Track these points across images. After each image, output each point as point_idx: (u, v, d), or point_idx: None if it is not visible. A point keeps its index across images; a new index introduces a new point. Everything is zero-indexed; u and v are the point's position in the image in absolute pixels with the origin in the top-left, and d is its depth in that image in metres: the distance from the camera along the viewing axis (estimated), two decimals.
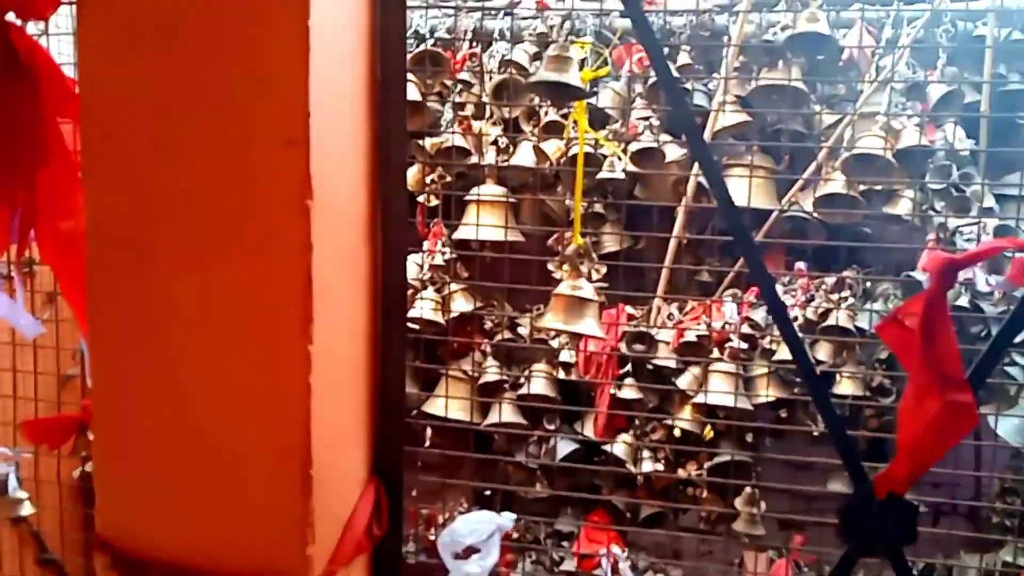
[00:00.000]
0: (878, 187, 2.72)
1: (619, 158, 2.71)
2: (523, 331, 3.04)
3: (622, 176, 2.76)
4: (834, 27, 2.88)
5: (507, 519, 1.56)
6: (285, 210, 1.21)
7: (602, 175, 2.68)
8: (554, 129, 2.99)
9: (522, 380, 3.00)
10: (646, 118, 2.97)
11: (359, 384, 1.43)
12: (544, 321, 1.91)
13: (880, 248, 2.76)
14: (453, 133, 2.99)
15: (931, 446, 1.30)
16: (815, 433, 2.78)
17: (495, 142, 3.08)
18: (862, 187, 2.74)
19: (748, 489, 2.68)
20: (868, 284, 2.78)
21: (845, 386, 2.70)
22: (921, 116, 2.62)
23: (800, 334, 2.70)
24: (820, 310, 2.76)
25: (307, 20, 1.19)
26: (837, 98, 2.88)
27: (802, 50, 2.48)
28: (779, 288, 2.87)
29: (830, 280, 2.81)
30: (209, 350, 1.25)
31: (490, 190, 3.02)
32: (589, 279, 1.86)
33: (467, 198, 3.02)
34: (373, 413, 1.48)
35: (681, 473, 2.88)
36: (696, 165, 2.88)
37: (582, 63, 1.73)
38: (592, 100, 3.03)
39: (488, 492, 3.06)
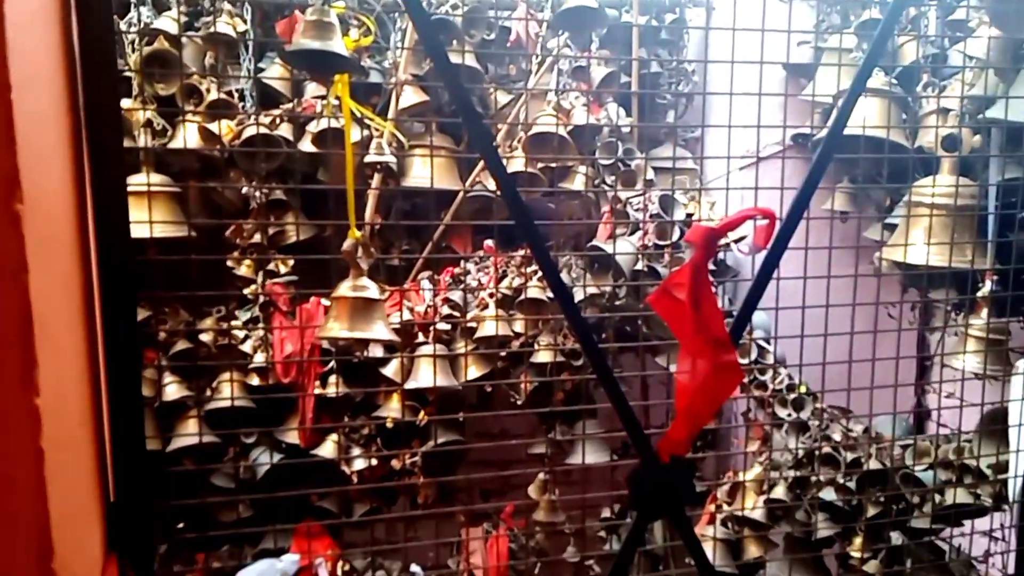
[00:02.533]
0: (554, 164, 2.87)
1: (395, 141, 2.48)
2: (205, 338, 2.70)
3: (392, 159, 2.53)
4: (498, 9, 2.98)
5: (289, 561, 1.35)
6: None
7: (370, 158, 2.42)
8: (220, 108, 2.67)
9: (209, 394, 2.67)
10: (322, 97, 2.79)
11: (87, 439, 1.11)
12: (327, 330, 1.65)
13: (560, 222, 2.92)
14: None
15: (705, 406, 1.38)
16: (518, 403, 2.89)
17: (148, 123, 2.66)
18: (540, 165, 2.87)
19: (541, 476, 2.71)
20: (553, 256, 2.93)
21: (543, 355, 2.82)
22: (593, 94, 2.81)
23: (499, 310, 2.78)
24: (514, 285, 2.84)
25: None
26: (509, 79, 2.97)
27: (572, 25, 2.42)
28: (472, 267, 2.92)
29: (518, 255, 2.91)
30: None
31: (148, 179, 2.60)
32: (365, 274, 1.62)
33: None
34: (103, 474, 1.17)
35: (395, 464, 2.80)
36: (375, 146, 2.79)
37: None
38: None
39: (181, 525, 2.68)
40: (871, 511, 2.56)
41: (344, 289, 1.65)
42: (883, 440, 2.63)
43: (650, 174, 2.85)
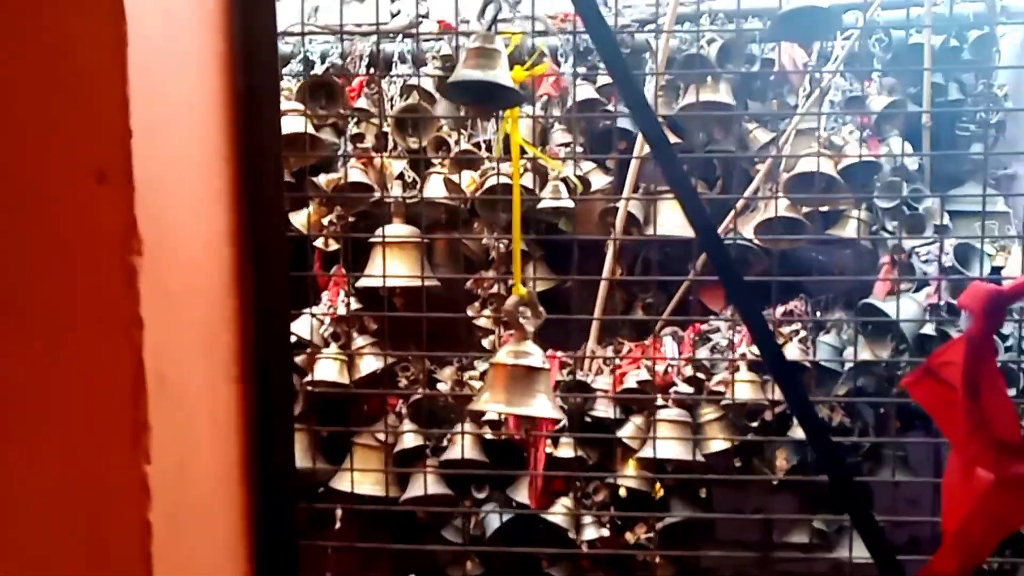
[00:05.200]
0: (823, 208, 2.51)
1: (564, 182, 2.41)
2: (444, 387, 2.68)
3: (570, 204, 2.44)
4: (762, 41, 2.69)
5: None
6: (99, 272, 0.84)
7: (545, 203, 2.35)
8: (466, 160, 2.68)
9: (445, 444, 2.64)
10: (566, 144, 2.69)
11: (229, 506, 1.04)
12: (481, 402, 1.52)
13: (831, 275, 2.53)
14: (349, 167, 2.64)
15: (985, 533, 1.01)
16: (774, 482, 2.52)
17: (400, 176, 2.73)
18: (805, 209, 2.52)
19: None
20: (818, 314, 2.55)
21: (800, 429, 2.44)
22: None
23: (751, 374, 2.46)
24: None
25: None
26: (770, 115, 2.67)
27: (795, 31, 2.01)
28: (722, 324, 2.63)
29: (777, 312, 2.57)
30: None
31: (397, 230, 2.66)
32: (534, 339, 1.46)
33: (371, 240, 2.65)
34: (251, 543, 1.09)
35: (629, 537, 2.56)
36: (625, 192, 2.63)
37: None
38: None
39: None
40: None
41: (502, 355, 1.44)
42: None
43: (944, 219, 2.37)
